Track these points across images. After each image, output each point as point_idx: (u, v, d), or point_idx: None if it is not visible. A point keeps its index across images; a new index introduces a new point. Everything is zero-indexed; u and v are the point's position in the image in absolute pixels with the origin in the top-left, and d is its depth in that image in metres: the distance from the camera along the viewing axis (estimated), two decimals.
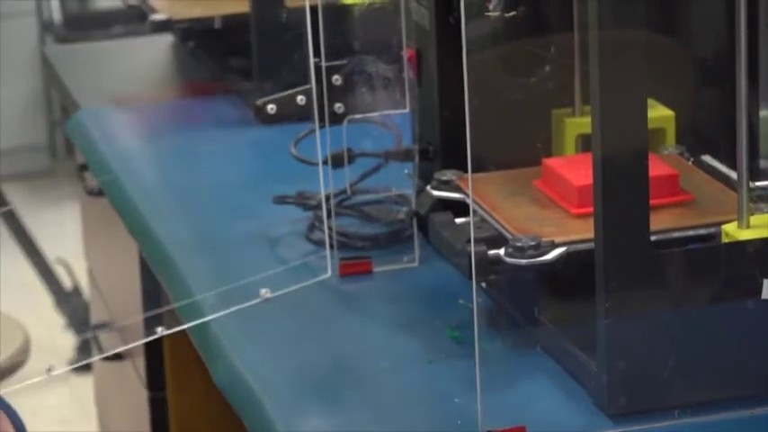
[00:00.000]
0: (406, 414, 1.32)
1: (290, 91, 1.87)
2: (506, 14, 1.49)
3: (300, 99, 1.86)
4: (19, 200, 3.89)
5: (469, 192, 1.39)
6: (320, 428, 1.31)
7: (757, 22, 1.33)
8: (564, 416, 1.27)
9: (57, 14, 4.34)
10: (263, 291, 1.50)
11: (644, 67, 1.22)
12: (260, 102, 1.89)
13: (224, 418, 1.48)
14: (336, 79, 1.72)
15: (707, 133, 1.47)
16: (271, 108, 1.88)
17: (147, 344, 1.88)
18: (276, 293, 1.50)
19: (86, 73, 2.17)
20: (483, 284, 1.40)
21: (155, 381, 1.91)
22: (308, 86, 1.76)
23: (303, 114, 1.84)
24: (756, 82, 1.34)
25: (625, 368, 1.25)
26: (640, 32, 1.21)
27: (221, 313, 1.46)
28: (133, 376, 1.97)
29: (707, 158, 1.47)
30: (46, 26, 4.35)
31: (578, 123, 1.48)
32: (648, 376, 1.25)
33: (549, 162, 1.43)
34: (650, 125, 1.26)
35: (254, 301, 1.49)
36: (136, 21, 2.18)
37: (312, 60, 1.65)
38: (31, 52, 4.17)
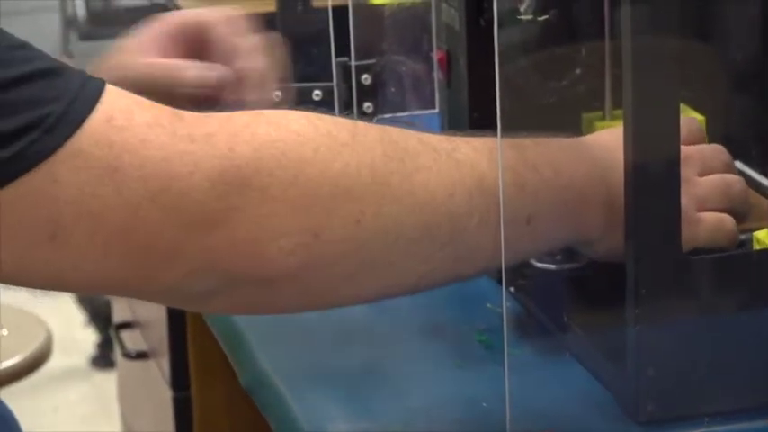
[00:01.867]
0: (434, 417, 1.32)
1: (304, 84, 1.88)
2: (539, 18, 1.49)
3: (316, 94, 1.87)
4: None
5: (500, 194, 1.39)
6: (347, 430, 1.31)
7: None
8: (592, 422, 1.28)
9: (81, 10, 4.31)
10: None
11: (676, 72, 1.22)
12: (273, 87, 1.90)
13: (248, 418, 1.48)
14: (366, 78, 1.73)
15: (738, 139, 1.47)
16: (277, 96, 1.89)
17: (171, 343, 1.88)
18: None
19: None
20: (512, 289, 1.40)
21: (179, 380, 1.92)
22: (330, 83, 1.78)
23: (326, 107, 1.82)
24: None
25: (654, 375, 1.25)
26: (673, 37, 1.21)
27: None
28: (157, 375, 1.97)
29: (738, 164, 1.46)
30: (69, 22, 4.34)
31: (608, 126, 1.47)
32: (678, 383, 1.25)
33: None
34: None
35: None
36: (164, 10, 2.17)
37: (334, 59, 1.66)
38: (54, 49, 4.08)
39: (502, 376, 1.23)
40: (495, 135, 1.20)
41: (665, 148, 1.23)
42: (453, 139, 1.22)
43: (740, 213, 1.31)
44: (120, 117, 1.06)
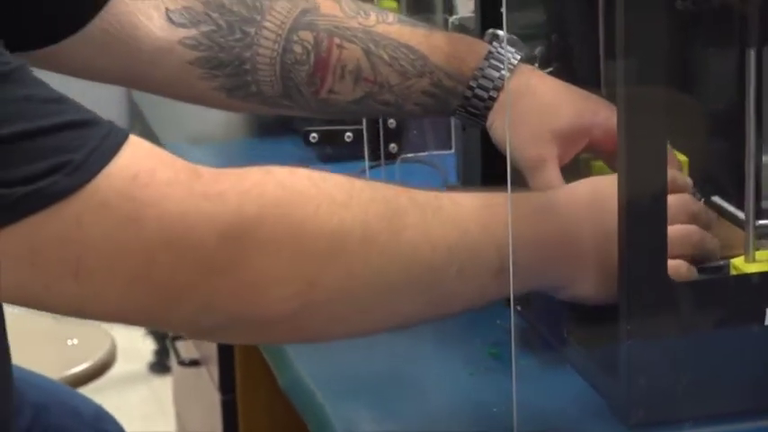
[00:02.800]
0: (450, 419, 1.32)
1: (338, 126, 1.87)
2: (544, 70, 1.49)
3: (348, 136, 1.86)
4: None
5: (508, 225, 1.38)
6: (373, 430, 1.31)
7: (761, 80, 1.32)
8: (588, 425, 1.27)
9: None
10: None
11: (663, 119, 1.22)
12: (306, 128, 1.89)
13: (287, 420, 1.48)
14: (391, 123, 1.72)
15: (716, 177, 1.46)
16: (313, 137, 1.88)
17: (219, 351, 1.88)
18: None
19: (167, 110, 2.15)
20: (518, 308, 1.38)
21: (226, 385, 1.91)
22: (360, 126, 1.77)
23: (352, 151, 1.84)
24: (761, 132, 1.33)
25: (644, 385, 1.24)
26: (659, 89, 1.21)
27: None
28: (207, 380, 1.97)
29: (716, 199, 1.46)
30: None
31: (602, 167, 1.47)
32: (664, 392, 1.24)
33: None
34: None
35: None
36: None
37: None
38: (118, 90, 4.11)
39: (510, 384, 1.22)
40: (482, 189, 1.22)
41: (653, 186, 1.22)
42: (441, 195, 1.22)
43: (701, 256, 1.32)
44: (144, 175, 1.06)
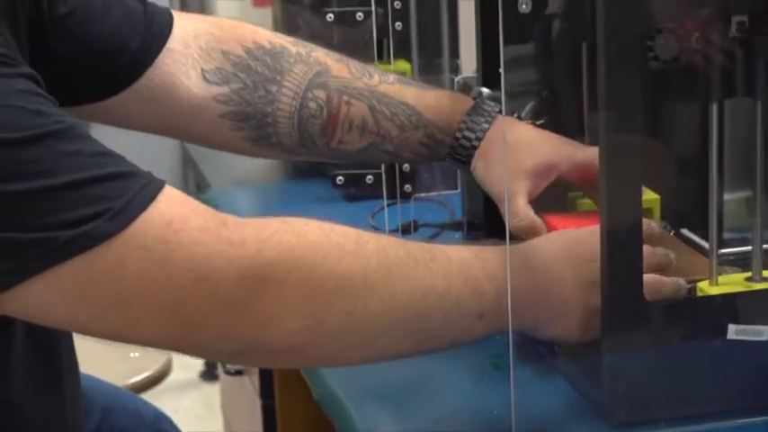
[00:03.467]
0: (458, 421, 1.32)
1: (361, 171, 1.87)
2: (536, 123, 1.49)
3: (369, 178, 1.85)
4: None
5: (506, 256, 1.38)
6: (393, 431, 1.31)
7: (722, 129, 1.33)
8: (575, 425, 1.27)
9: None
10: None
11: (638, 162, 1.22)
12: (334, 172, 1.89)
13: (319, 422, 1.47)
14: (406, 167, 1.73)
15: (685, 212, 1.46)
16: (339, 179, 1.87)
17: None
18: None
19: (215, 157, 2.15)
20: None
21: (266, 392, 1.90)
22: (379, 170, 1.77)
23: (372, 191, 1.83)
24: (722, 174, 1.34)
25: (623, 391, 1.24)
26: (636, 137, 1.21)
27: None
28: (250, 388, 1.96)
29: (685, 231, 1.46)
30: None
31: (587, 204, 1.47)
32: (641, 397, 1.25)
33: (549, 218, 1.42)
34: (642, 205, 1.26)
35: None
36: None
37: None
38: (171, 144, 4.07)
39: (509, 390, 1.23)
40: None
41: (630, 220, 1.22)
42: (434, 248, 1.23)
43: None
44: (178, 222, 1.07)
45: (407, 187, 1.73)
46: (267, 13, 2.44)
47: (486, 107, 1.46)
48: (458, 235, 1.62)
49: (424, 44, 1.95)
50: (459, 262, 1.22)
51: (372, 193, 1.82)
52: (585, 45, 1.41)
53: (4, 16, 1.18)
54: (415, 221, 1.62)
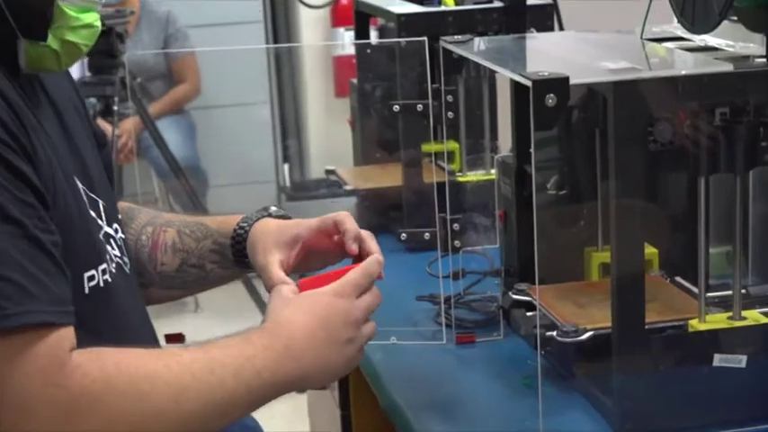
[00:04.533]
0: (495, 429, 1.32)
1: (419, 229, 1.87)
2: (559, 192, 1.50)
3: (426, 235, 1.85)
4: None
5: (536, 296, 1.39)
6: None
7: (708, 198, 1.32)
8: None
9: (287, 181, 4.27)
10: (392, 338, 1.48)
11: (641, 221, 1.23)
12: (399, 230, 1.90)
13: (386, 429, 1.47)
14: (456, 226, 1.73)
15: (679, 263, 1.46)
16: (402, 236, 1.88)
17: (339, 381, 1.83)
18: (405, 343, 1.48)
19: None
20: (543, 352, 1.40)
21: (344, 403, 1.88)
22: (434, 229, 1.77)
23: (429, 245, 1.81)
24: (708, 233, 1.34)
25: (630, 406, 1.25)
26: (639, 202, 1.22)
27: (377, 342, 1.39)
28: (331, 400, 1.94)
29: (678, 278, 1.46)
30: (281, 189, 4.26)
31: (600, 256, 1.47)
32: (645, 410, 1.25)
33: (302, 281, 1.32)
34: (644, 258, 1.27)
35: (388, 342, 1.47)
36: (335, 187, 2.18)
37: (437, 215, 1.66)
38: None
39: (537, 404, 1.23)
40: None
41: (634, 269, 1.23)
42: (212, 362, 1.14)
43: None
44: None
45: (457, 242, 1.72)
46: (346, 101, 2.45)
47: (252, 215, 1.43)
48: (497, 281, 1.62)
49: (470, 129, 1.95)
50: (232, 368, 1.14)
51: (429, 246, 1.81)
52: (598, 131, 1.41)
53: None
54: (462, 269, 1.62)
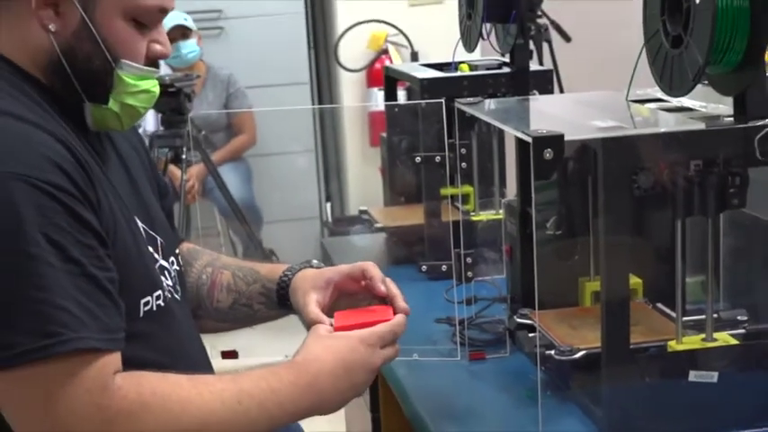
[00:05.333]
0: None
1: (438, 262, 1.86)
2: (556, 232, 1.49)
3: (444, 267, 1.84)
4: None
5: (537, 320, 1.39)
6: None
7: (685, 237, 1.31)
8: None
9: (329, 218, 4.25)
10: (414, 355, 1.46)
11: (627, 255, 1.22)
12: (421, 263, 1.89)
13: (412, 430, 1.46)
14: (469, 259, 1.73)
15: (660, 290, 1.44)
16: (423, 268, 1.86)
17: (370, 388, 1.82)
18: (425, 359, 1.46)
19: (346, 258, 2.08)
20: (543, 368, 1.38)
21: (374, 407, 1.86)
22: (450, 262, 1.77)
23: (446, 276, 1.81)
24: (685, 265, 1.33)
25: (617, 415, 1.24)
26: (626, 237, 1.22)
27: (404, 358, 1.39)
28: (362, 404, 1.92)
29: (659, 305, 1.44)
30: (324, 224, 4.23)
31: (592, 285, 1.46)
32: (630, 419, 1.23)
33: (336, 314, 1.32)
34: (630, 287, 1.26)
35: (410, 358, 1.45)
36: (368, 224, 2.18)
37: (453, 250, 1.66)
38: (315, 242, 3.97)
39: (537, 413, 1.23)
40: None
41: (621, 295, 1.21)
42: (242, 390, 1.13)
43: None
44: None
45: (470, 273, 1.72)
46: (377, 151, 2.44)
47: (296, 265, 1.41)
48: (504, 306, 1.61)
49: (482, 176, 1.96)
50: (258, 399, 1.14)
51: (446, 276, 1.81)
52: (590, 179, 1.41)
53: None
54: (474, 296, 1.61)
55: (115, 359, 1.08)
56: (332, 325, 1.26)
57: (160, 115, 3.35)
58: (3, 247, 1.02)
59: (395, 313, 1.28)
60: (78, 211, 1.07)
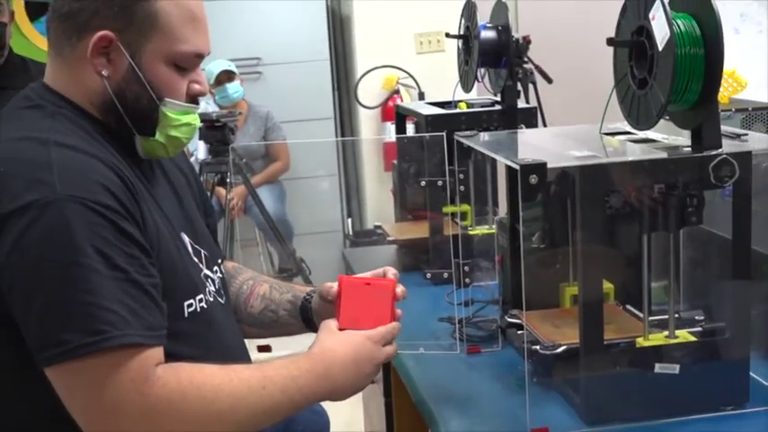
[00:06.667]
0: (495, 418, 1.29)
1: (440, 270, 1.85)
2: (540, 245, 1.48)
3: (445, 275, 1.82)
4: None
5: (524, 319, 1.37)
6: (458, 424, 1.28)
7: (650, 249, 1.30)
8: (564, 421, 1.24)
9: (350, 231, 4.25)
10: (420, 349, 1.46)
11: (601, 264, 1.21)
12: (426, 270, 1.88)
13: (418, 415, 1.44)
14: (466, 267, 1.72)
15: (629, 293, 1.42)
16: (427, 275, 1.86)
17: (384, 373, 1.80)
18: (429, 352, 1.45)
19: (364, 265, 2.08)
20: (529, 361, 1.36)
21: (387, 392, 1.84)
22: (450, 270, 1.76)
23: (448, 281, 1.79)
24: (650, 271, 1.31)
25: (593, 401, 1.22)
26: (600, 248, 1.21)
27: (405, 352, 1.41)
28: (377, 390, 1.90)
29: (629, 306, 1.42)
30: (345, 236, 4.22)
31: (571, 290, 1.44)
32: (604, 405, 1.22)
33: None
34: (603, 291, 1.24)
35: (417, 352, 1.44)
36: (382, 237, 2.17)
37: (453, 259, 1.64)
38: (338, 251, 3.98)
39: (525, 400, 1.22)
40: None
41: (596, 297, 1.20)
42: (266, 377, 1.12)
43: None
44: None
45: (467, 279, 1.72)
46: (390, 175, 2.42)
47: (314, 287, 1.40)
48: (496, 307, 1.59)
49: (478, 197, 1.95)
50: (280, 385, 1.12)
51: (447, 282, 1.81)
52: (569, 199, 1.39)
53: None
54: (471, 299, 1.60)
55: (157, 353, 1.07)
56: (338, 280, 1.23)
57: (209, 146, 3.41)
58: (57, 257, 1.02)
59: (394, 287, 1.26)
60: (123, 226, 1.07)
